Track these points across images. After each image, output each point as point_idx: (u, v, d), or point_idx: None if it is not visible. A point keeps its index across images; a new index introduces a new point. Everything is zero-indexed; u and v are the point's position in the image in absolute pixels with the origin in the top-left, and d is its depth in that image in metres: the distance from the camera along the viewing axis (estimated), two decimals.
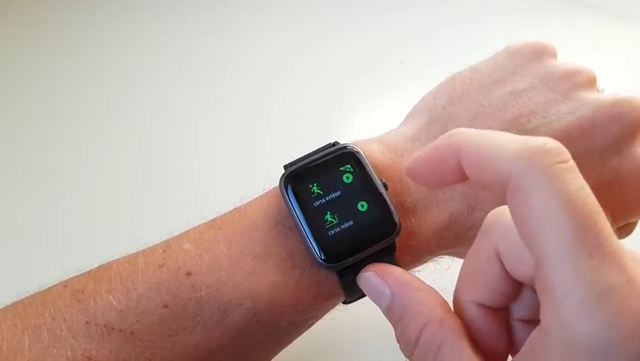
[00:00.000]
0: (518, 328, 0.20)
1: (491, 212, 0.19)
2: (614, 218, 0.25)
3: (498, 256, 0.19)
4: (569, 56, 0.27)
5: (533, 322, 0.19)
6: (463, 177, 0.18)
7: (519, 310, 0.20)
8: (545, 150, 0.16)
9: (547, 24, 0.57)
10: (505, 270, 0.19)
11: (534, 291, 0.17)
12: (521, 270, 0.18)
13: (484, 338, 0.19)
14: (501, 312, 0.20)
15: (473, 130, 0.18)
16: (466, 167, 0.18)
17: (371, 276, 0.22)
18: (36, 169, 0.45)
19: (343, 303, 0.25)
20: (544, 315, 0.16)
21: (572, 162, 0.16)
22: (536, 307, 0.17)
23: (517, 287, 0.19)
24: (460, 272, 0.21)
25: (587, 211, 0.15)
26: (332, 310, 0.25)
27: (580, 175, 0.16)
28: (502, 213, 0.19)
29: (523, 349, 0.17)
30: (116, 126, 0.48)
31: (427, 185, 0.20)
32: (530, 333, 0.17)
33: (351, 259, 0.22)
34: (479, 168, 0.17)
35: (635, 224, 0.27)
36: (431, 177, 0.19)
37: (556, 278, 0.15)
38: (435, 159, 0.19)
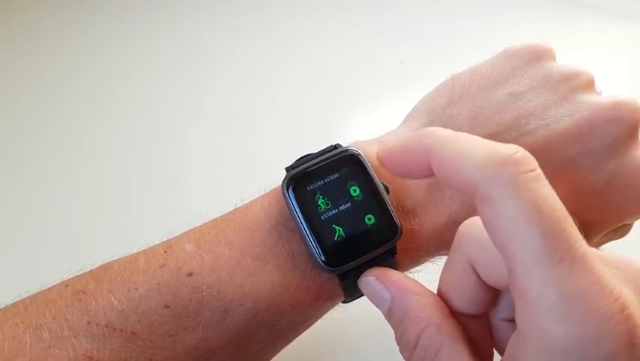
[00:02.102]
0: (503, 328, 0.20)
1: (462, 224, 0.20)
2: (610, 219, 0.26)
3: (472, 266, 0.19)
4: (568, 57, 0.28)
5: None
6: (430, 174, 0.19)
7: (502, 311, 0.20)
8: (512, 160, 0.16)
9: (547, 24, 0.57)
10: (481, 279, 0.19)
11: None
12: (496, 278, 0.19)
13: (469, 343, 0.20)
14: (482, 317, 0.20)
15: (446, 133, 0.18)
16: (436, 169, 0.18)
17: (372, 280, 0.22)
18: (37, 169, 0.45)
19: (342, 302, 0.25)
20: (520, 320, 0.16)
21: (538, 171, 0.16)
22: None
23: (494, 294, 0.20)
24: (439, 284, 0.21)
25: (554, 218, 0.16)
26: (332, 309, 0.25)
27: (547, 183, 0.16)
28: (473, 225, 0.19)
29: (505, 353, 0.17)
30: (117, 126, 0.48)
31: (393, 174, 0.21)
32: (514, 331, 0.17)
33: (352, 263, 0.22)
34: (448, 172, 0.18)
35: (631, 225, 0.28)
36: (399, 169, 0.20)
37: (528, 283, 0.16)
38: (406, 155, 0.19)
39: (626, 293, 0.15)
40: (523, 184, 0.16)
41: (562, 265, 0.15)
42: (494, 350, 0.21)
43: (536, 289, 0.15)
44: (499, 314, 0.20)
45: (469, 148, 0.17)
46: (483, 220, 0.17)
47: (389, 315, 0.21)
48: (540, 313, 0.15)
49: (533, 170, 0.16)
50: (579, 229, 0.16)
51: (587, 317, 0.15)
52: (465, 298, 0.20)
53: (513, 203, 0.16)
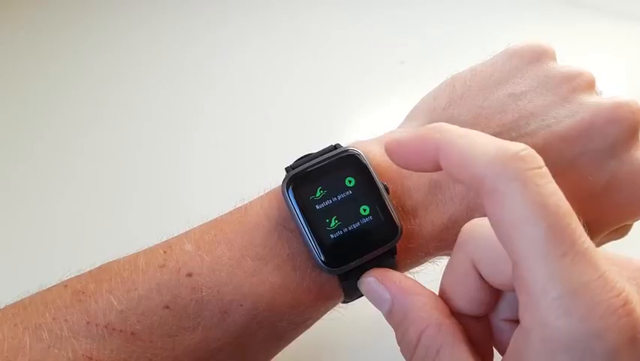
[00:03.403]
0: (504, 328, 0.20)
1: (465, 225, 0.20)
2: (610, 220, 0.26)
3: (475, 267, 0.19)
4: (568, 56, 0.28)
5: (518, 321, 0.20)
6: (436, 168, 0.19)
7: (503, 311, 0.20)
8: (520, 157, 0.16)
9: (547, 24, 0.57)
10: (483, 280, 0.19)
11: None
12: (498, 277, 0.19)
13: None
14: (483, 317, 0.21)
15: (455, 128, 0.19)
16: (444, 163, 0.19)
17: (372, 281, 0.22)
18: (36, 169, 0.45)
19: (342, 302, 0.25)
20: (523, 314, 0.16)
21: (545, 169, 0.17)
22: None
23: (496, 294, 0.20)
24: (441, 284, 0.21)
25: (559, 213, 0.16)
26: (332, 309, 0.25)
27: (552, 180, 0.17)
28: (476, 226, 0.20)
29: (508, 350, 0.17)
30: (117, 126, 0.48)
31: (398, 165, 0.21)
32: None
33: (352, 263, 0.22)
34: (457, 166, 0.18)
35: (631, 225, 0.28)
36: (405, 161, 0.20)
37: (532, 277, 0.16)
38: (414, 148, 0.20)
39: (629, 289, 0.16)
40: (529, 180, 0.16)
41: (566, 259, 0.15)
42: (495, 350, 0.21)
43: (540, 283, 0.15)
44: (501, 315, 0.20)
45: (479, 143, 0.17)
46: (488, 214, 0.17)
47: (389, 316, 0.21)
48: (544, 307, 0.15)
49: (540, 167, 0.16)
50: (584, 227, 0.16)
51: (590, 311, 0.15)
52: (467, 299, 0.20)
53: (519, 197, 0.16)
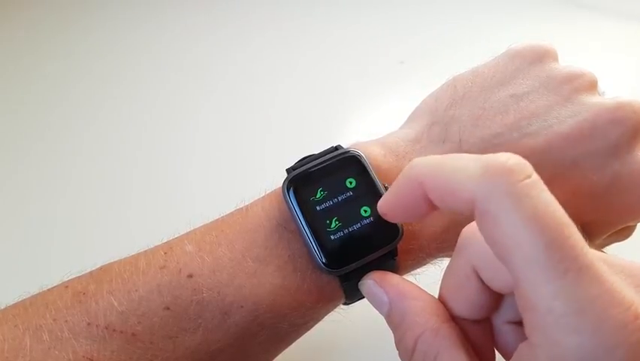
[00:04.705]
0: (507, 330, 0.20)
1: (465, 228, 0.20)
2: (613, 221, 0.26)
3: (475, 271, 0.19)
4: (568, 56, 0.28)
5: (521, 323, 0.19)
6: (434, 207, 0.18)
7: (505, 314, 0.20)
8: (507, 169, 0.16)
9: (547, 24, 0.57)
10: (484, 284, 0.19)
11: None
12: (500, 282, 0.18)
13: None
14: (484, 321, 0.20)
15: (431, 158, 0.18)
16: (433, 198, 0.18)
17: (371, 284, 0.22)
18: (37, 169, 0.45)
19: (343, 304, 0.25)
20: (530, 331, 0.16)
21: (535, 177, 0.16)
22: None
23: (497, 298, 0.20)
24: (440, 289, 0.21)
25: (557, 227, 0.15)
26: (333, 311, 0.25)
27: (545, 188, 0.16)
28: (476, 230, 0.19)
29: (513, 360, 0.17)
30: (117, 127, 0.48)
31: (404, 221, 0.21)
32: (518, 334, 0.17)
33: (353, 264, 0.22)
34: (445, 197, 0.17)
35: (634, 227, 0.27)
36: (404, 214, 0.19)
37: (536, 296, 0.15)
38: (402, 196, 0.19)
39: (638, 301, 0.15)
40: (521, 193, 0.15)
41: (569, 275, 0.15)
42: (497, 352, 0.21)
43: (545, 302, 0.15)
44: (503, 317, 0.20)
45: (459, 166, 0.17)
46: (483, 235, 0.16)
47: (388, 319, 0.21)
48: (551, 325, 0.15)
49: (530, 176, 0.16)
50: (582, 233, 0.16)
51: (599, 327, 0.15)
52: (467, 304, 0.20)
53: (513, 215, 0.15)
